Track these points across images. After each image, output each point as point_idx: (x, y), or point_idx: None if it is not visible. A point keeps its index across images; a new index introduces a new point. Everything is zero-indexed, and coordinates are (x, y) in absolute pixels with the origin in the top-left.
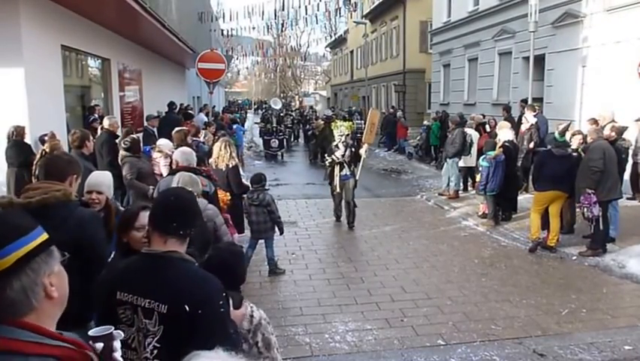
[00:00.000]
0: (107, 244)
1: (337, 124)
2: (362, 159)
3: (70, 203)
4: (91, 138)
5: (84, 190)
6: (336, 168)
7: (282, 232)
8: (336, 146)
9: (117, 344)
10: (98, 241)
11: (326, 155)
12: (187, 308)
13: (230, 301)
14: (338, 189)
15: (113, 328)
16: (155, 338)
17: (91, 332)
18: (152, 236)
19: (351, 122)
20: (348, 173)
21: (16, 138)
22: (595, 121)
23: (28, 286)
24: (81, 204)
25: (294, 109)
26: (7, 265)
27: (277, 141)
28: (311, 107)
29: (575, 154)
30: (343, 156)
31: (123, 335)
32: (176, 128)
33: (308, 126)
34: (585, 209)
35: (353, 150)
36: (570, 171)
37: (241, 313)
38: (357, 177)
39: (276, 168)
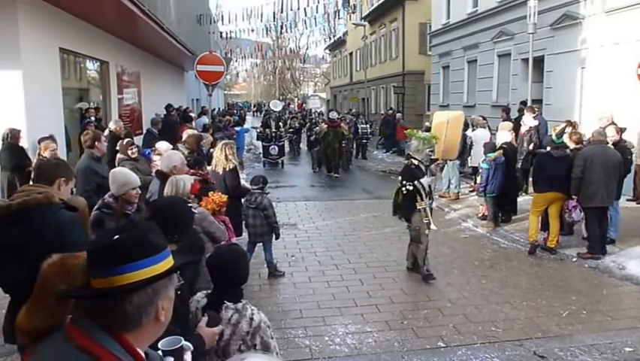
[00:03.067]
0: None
1: (419, 135)
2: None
3: (52, 206)
4: (103, 139)
5: (121, 190)
6: (421, 199)
7: (277, 237)
8: (417, 167)
9: (188, 357)
10: (77, 244)
11: (404, 183)
12: None
13: (204, 319)
14: (433, 226)
15: (183, 340)
16: None
17: (161, 344)
18: None
19: (432, 135)
20: (429, 201)
21: (11, 141)
22: (571, 123)
23: (144, 305)
24: (66, 208)
25: (295, 112)
26: (138, 280)
27: (277, 148)
28: (310, 109)
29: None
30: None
31: (192, 346)
32: (189, 133)
33: (311, 131)
34: (566, 214)
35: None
36: (569, 172)
37: (212, 333)
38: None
39: (276, 171)
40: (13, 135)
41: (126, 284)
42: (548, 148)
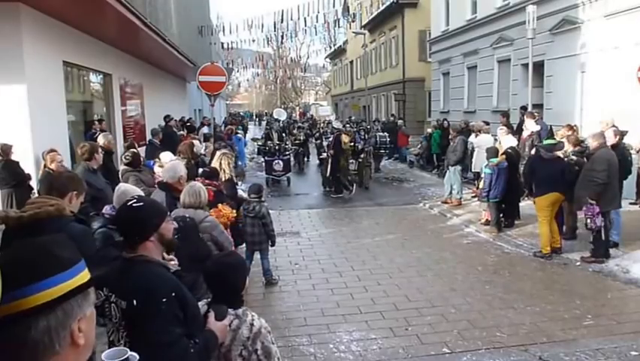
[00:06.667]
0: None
1: None
2: None
3: (63, 218)
4: (100, 150)
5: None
6: None
7: (273, 244)
8: None
9: None
10: (87, 257)
11: None
12: (134, 303)
13: (211, 314)
14: None
15: (128, 351)
16: (124, 333)
17: (104, 356)
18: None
19: None
20: None
21: (4, 158)
22: (571, 127)
23: (54, 329)
24: (76, 220)
25: (301, 121)
26: (37, 304)
27: (281, 163)
28: (311, 117)
29: (566, 159)
30: None
31: (138, 356)
32: (184, 142)
33: (320, 141)
34: (588, 220)
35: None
36: (563, 173)
37: (223, 325)
38: None
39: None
40: (5, 151)
41: (28, 309)
42: (541, 151)
